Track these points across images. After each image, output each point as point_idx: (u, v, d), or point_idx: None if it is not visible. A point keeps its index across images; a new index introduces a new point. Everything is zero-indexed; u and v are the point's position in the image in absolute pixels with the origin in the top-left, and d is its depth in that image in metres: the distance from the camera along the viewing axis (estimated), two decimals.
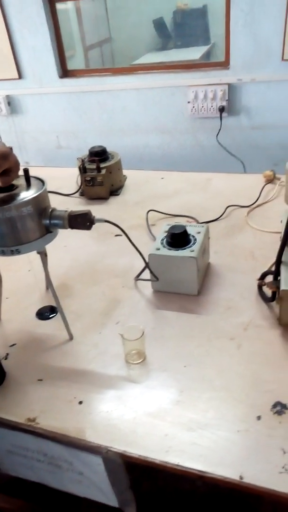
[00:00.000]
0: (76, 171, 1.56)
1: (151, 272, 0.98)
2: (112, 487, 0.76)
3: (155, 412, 0.74)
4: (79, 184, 1.55)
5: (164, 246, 0.98)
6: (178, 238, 0.97)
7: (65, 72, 2.50)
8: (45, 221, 0.80)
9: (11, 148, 0.76)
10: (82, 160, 1.50)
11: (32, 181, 0.81)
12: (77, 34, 3.19)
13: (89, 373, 0.84)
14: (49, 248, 0.86)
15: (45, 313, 1.00)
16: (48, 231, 0.82)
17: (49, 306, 1.02)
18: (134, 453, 0.68)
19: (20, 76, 2.51)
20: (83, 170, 1.49)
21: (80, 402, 0.77)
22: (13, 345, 0.92)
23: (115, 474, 0.73)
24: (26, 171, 0.80)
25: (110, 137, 2.53)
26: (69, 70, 2.51)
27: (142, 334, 0.82)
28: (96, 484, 0.77)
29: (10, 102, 2.60)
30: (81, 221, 0.81)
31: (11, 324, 0.99)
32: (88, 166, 1.49)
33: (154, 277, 0.98)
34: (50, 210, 0.82)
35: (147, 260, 0.96)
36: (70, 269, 1.16)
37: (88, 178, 1.49)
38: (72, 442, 0.71)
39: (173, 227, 0.99)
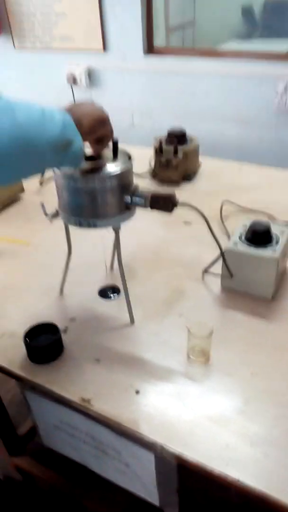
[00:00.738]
0: (147, 152, 1.51)
1: (227, 267, 0.91)
2: (158, 486, 0.72)
3: (216, 418, 0.69)
4: (152, 165, 1.50)
5: (242, 242, 0.91)
6: (260, 236, 0.90)
7: (150, 48, 2.43)
8: (126, 198, 0.76)
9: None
10: (160, 141, 1.45)
11: (119, 154, 0.77)
12: (162, 13, 3.10)
13: (147, 362, 0.80)
14: None
15: (107, 292, 0.97)
16: (127, 209, 0.78)
17: (112, 286, 0.99)
18: (191, 457, 0.63)
19: (104, 48, 2.47)
20: (159, 150, 1.44)
21: (137, 392, 0.73)
22: (73, 319, 0.90)
23: (164, 474, 0.69)
24: (115, 142, 0.75)
25: (186, 121, 2.42)
26: (154, 46, 2.44)
27: (211, 332, 0.77)
28: (140, 479, 0.74)
29: (90, 74, 2.58)
30: (163, 203, 0.76)
31: (72, 298, 0.97)
32: (165, 147, 1.44)
33: (229, 274, 0.92)
34: (133, 187, 0.77)
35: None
36: (135, 252, 1.12)
37: (163, 160, 1.43)
38: (126, 432, 0.67)
39: (255, 223, 0.91)
